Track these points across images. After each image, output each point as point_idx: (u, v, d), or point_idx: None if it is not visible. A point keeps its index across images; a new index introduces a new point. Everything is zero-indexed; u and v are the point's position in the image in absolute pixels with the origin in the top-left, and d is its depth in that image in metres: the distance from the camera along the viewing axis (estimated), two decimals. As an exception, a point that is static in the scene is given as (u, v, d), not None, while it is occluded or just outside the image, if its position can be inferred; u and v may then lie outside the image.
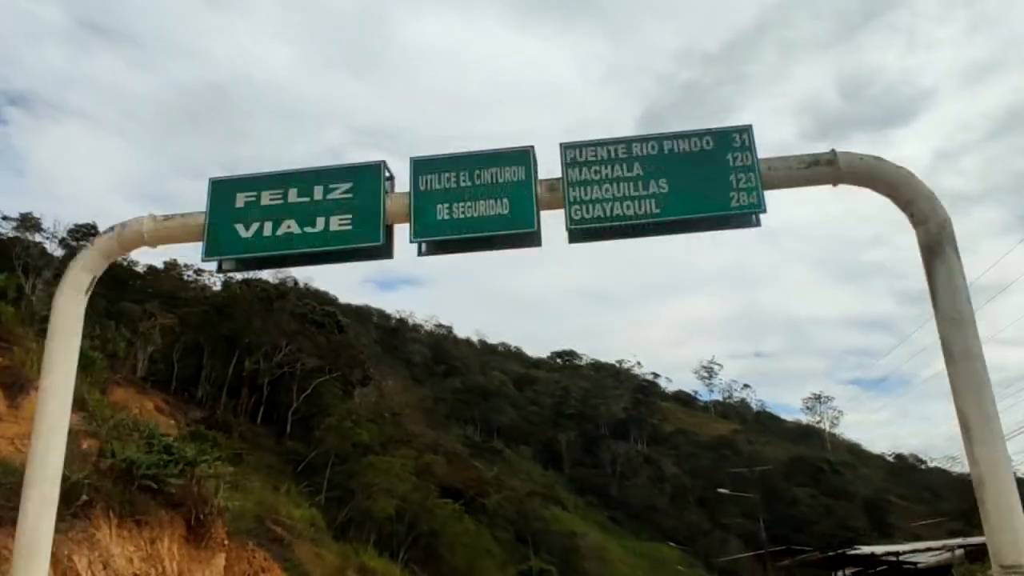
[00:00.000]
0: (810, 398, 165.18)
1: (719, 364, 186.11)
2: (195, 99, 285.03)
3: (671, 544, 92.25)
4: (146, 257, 69.50)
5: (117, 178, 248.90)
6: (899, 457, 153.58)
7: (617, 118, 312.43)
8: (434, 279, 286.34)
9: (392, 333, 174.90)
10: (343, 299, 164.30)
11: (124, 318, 38.30)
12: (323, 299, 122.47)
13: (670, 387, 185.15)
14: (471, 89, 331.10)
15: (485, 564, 43.24)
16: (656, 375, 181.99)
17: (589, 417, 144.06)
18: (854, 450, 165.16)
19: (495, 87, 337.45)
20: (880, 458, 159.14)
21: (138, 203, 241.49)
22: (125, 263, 61.77)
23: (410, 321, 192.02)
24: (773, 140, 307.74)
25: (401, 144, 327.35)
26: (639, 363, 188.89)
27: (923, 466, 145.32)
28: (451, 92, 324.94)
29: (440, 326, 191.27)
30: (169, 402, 36.59)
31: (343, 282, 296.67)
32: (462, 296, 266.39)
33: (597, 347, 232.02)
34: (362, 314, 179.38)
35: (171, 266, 58.53)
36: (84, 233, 44.79)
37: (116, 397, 33.11)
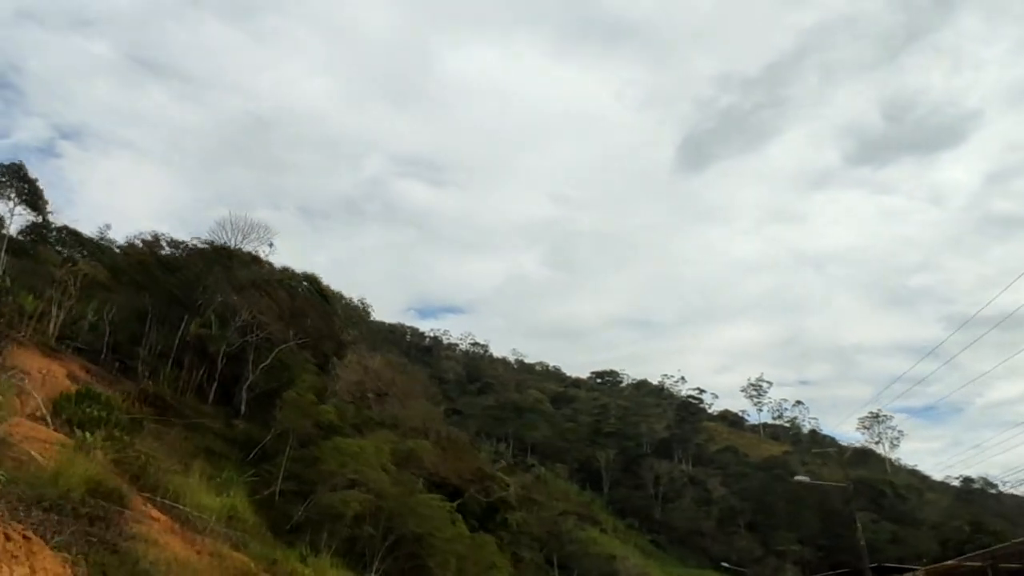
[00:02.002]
0: (867, 417, 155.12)
1: (768, 382, 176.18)
2: (239, 131, 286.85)
3: (724, 564, 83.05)
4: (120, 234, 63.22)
5: (164, 208, 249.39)
6: (967, 480, 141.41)
7: (657, 144, 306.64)
8: (475, 307, 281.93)
9: (426, 352, 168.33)
10: (376, 316, 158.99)
11: (40, 272, 31.40)
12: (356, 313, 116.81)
13: (716, 406, 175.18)
14: (510, 118, 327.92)
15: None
16: (701, 391, 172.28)
17: (630, 435, 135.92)
18: (916, 474, 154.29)
19: (534, 116, 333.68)
20: (944, 484, 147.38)
21: (183, 233, 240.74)
22: (101, 239, 55.65)
23: (445, 340, 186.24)
24: (816, 164, 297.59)
25: (445, 175, 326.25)
26: (683, 378, 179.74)
27: (993, 491, 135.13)
28: (490, 121, 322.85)
29: (476, 344, 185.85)
30: (90, 370, 29.21)
31: (386, 309, 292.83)
32: (502, 324, 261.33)
33: (639, 372, 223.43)
34: (395, 332, 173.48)
35: (149, 244, 51.78)
36: (8, 173, 38.47)
37: (16, 359, 26.13)
